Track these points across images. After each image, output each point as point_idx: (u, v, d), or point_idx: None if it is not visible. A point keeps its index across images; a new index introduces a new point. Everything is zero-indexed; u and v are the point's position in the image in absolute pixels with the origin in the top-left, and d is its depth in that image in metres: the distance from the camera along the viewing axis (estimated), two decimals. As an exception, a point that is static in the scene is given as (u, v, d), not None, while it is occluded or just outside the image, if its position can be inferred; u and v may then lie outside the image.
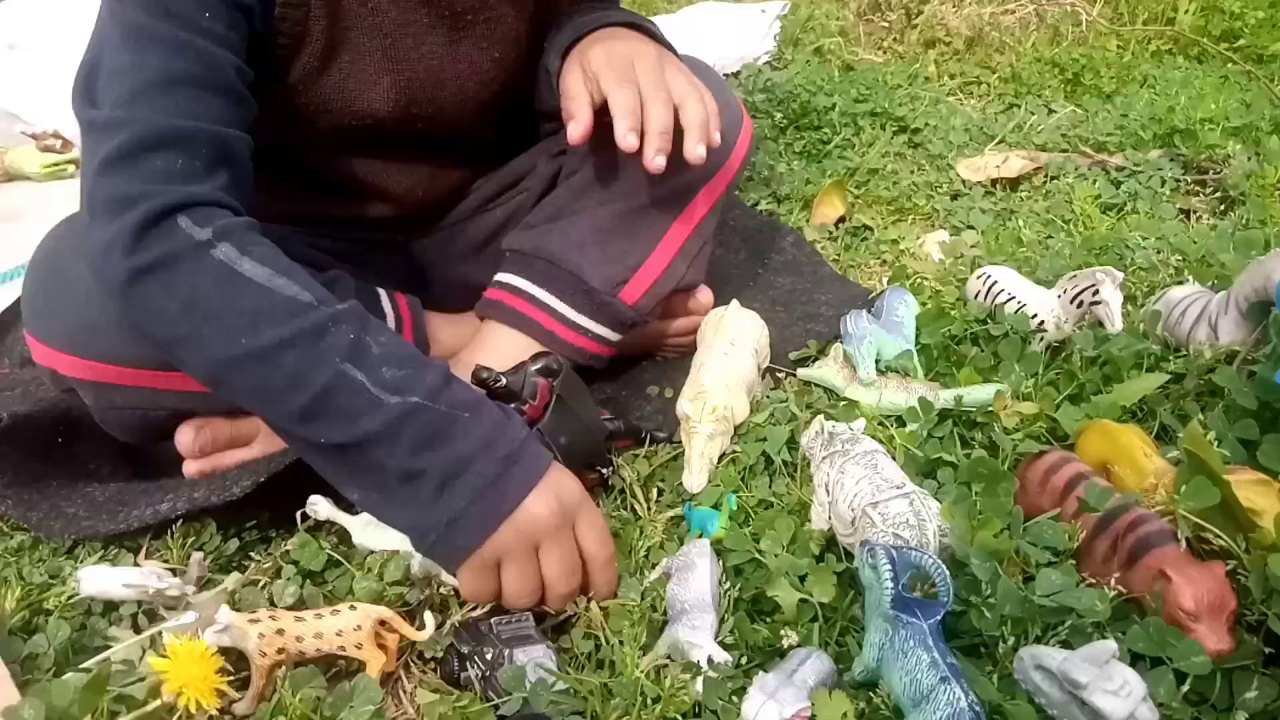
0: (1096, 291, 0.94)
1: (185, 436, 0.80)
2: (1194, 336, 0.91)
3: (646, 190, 0.90)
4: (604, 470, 0.84)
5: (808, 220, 1.38)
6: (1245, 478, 0.68)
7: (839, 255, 1.30)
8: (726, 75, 1.85)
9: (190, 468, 0.81)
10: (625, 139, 0.77)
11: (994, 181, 1.48)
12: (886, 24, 2.15)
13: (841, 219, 1.38)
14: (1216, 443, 0.74)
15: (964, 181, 1.49)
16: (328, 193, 0.95)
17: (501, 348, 0.89)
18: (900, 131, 1.67)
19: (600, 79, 0.79)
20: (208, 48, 0.71)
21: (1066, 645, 0.60)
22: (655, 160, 0.77)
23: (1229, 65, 2.02)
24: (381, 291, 0.92)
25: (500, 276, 0.94)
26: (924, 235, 1.32)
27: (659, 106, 0.78)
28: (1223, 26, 2.07)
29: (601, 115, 0.80)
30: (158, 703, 0.59)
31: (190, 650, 0.56)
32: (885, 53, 2.06)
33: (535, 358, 0.77)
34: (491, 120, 0.97)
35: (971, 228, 1.34)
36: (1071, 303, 0.96)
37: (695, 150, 0.78)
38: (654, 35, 0.89)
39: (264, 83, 0.79)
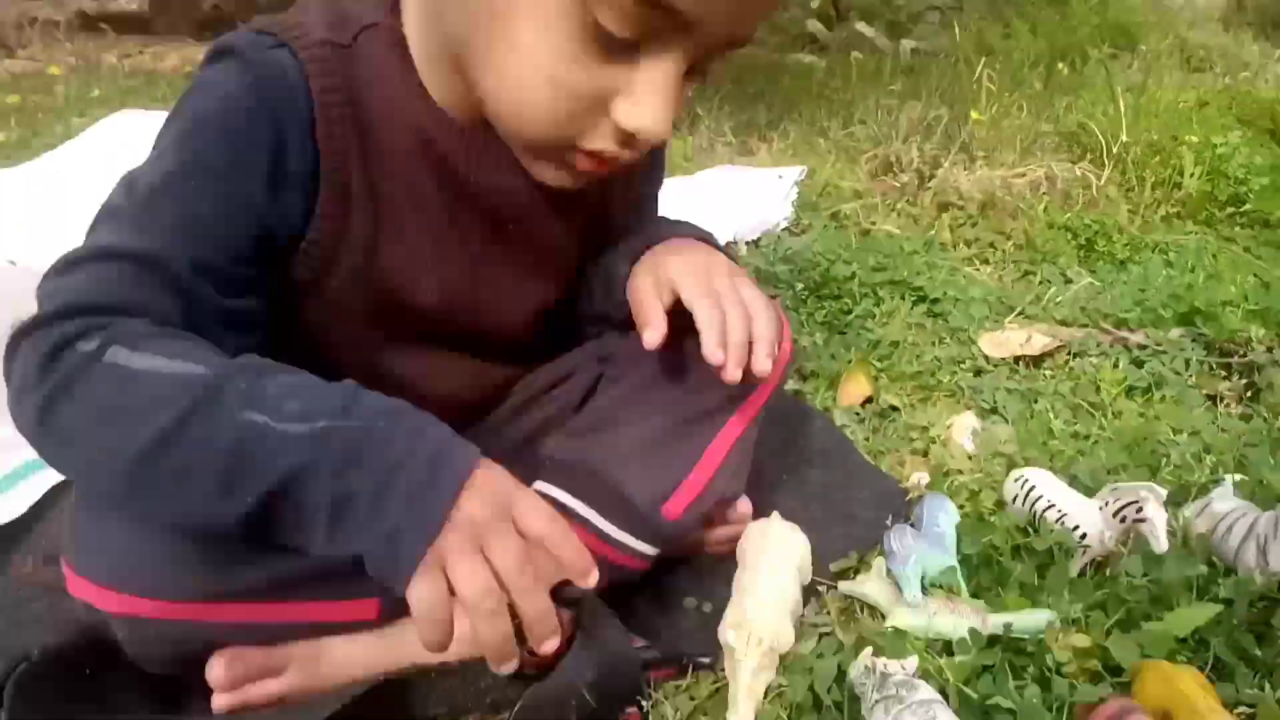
0: (1140, 509, 0.93)
1: (216, 671, 0.77)
2: (1242, 559, 0.90)
3: (691, 402, 0.90)
4: (641, 705, 0.81)
5: (834, 400, 1.38)
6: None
7: (868, 438, 1.29)
8: (748, 243, 1.89)
9: (220, 700, 0.78)
10: (714, 354, 0.77)
11: (1017, 359, 1.49)
12: (899, 185, 2.20)
13: (868, 399, 1.38)
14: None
15: (987, 357, 1.50)
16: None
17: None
18: (920, 301, 1.69)
19: (681, 289, 0.80)
20: (177, 240, 0.70)
21: None
22: (734, 373, 0.78)
23: (1237, 229, 2.07)
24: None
25: (538, 485, 0.92)
26: (952, 418, 1.32)
27: (738, 320, 0.79)
28: (1228, 192, 2.13)
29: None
30: None
31: None
32: (899, 215, 2.10)
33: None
34: (533, 324, 0.97)
35: (998, 411, 1.34)
36: (1115, 517, 0.95)
37: (764, 363, 0.79)
38: (719, 248, 0.91)
39: (305, 283, 0.79)
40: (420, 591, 0.62)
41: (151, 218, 0.70)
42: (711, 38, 0.69)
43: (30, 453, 1.16)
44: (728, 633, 0.85)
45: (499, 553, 0.64)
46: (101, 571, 0.74)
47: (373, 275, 0.82)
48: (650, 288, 0.83)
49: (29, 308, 0.71)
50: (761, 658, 0.83)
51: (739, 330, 0.79)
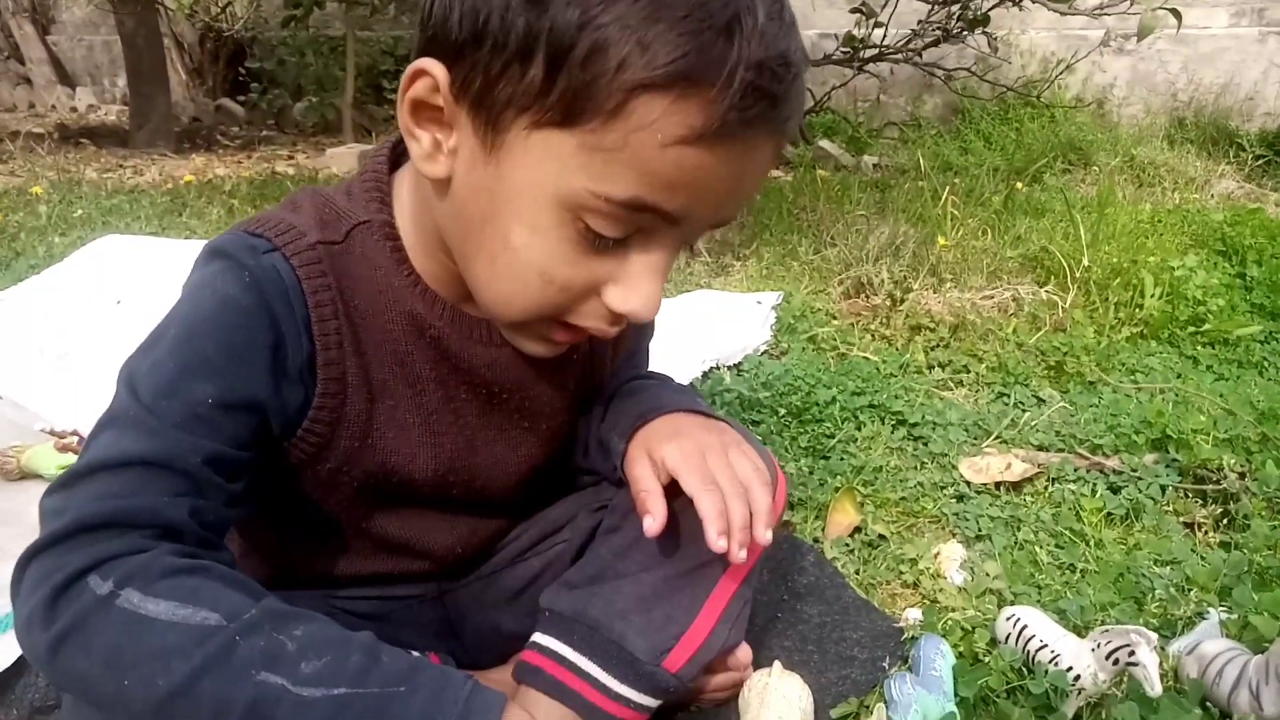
0: (1132, 652, 0.95)
1: None
2: (1235, 703, 0.92)
3: (690, 553, 0.92)
4: None
5: (823, 530, 1.40)
6: None
7: (859, 570, 1.31)
8: (729, 367, 1.93)
9: None
10: (717, 543, 0.79)
11: (998, 485, 1.52)
12: (871, 307, 2.26)
13: (856, 529, 1.40)
14: None
15: (968, 483, 1.53)
16: (364, 552, 0.95)
17: (540, 716, 0.87)
18: (899, 425, 1.73)
19: (681, 480, 0.82)
20: (184, 436, 0.70)
21: None
22: (739, 555, 0.79)
23: (1199, 348, 2.15)
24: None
25: (538, 638, 0.93)
26: (939, 547, 1.34)
27: (739, 504, 0.81)
28: (1188, 313, 2.21)
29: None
30: None
31: None
32: (874, 336, 2.15)
33: None
34: (525, 482, 0.99)
35: (984, 538, 1.37)
36: (1107, 659, 0.97)
37: (764, 535, 0.81)
38: (704, 411, 0.93)
39: (300, 463, 0.81)
40: None
41: (159, 420, 0.70)
42: (699, 226, 0.73)
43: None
44: None
45: None
46: None
47: (367, 455, 0.84)
48: (649, 472, 0.85)
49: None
50: None
51: (740, 513, 0.81)
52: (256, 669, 0.64)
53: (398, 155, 0.84)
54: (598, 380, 0.99)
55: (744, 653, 0.99)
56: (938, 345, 2.09)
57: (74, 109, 6.75)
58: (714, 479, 0.82)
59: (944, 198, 2.64)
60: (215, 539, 0.73)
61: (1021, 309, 2.23)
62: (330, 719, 0.63)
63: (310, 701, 0.63)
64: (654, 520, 0.81)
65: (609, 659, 0.89)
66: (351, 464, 0.84)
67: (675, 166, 0.65)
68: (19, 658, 1.08)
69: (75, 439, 1.58)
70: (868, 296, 2.32)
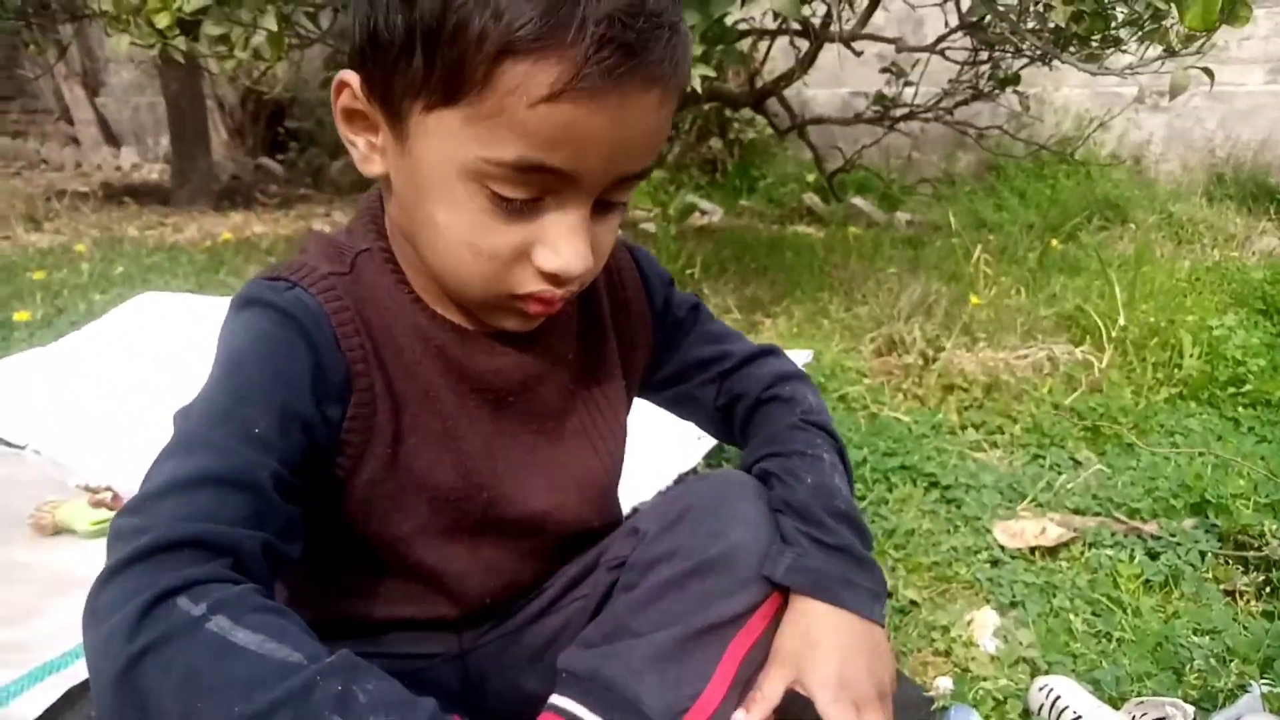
0: (1170, 725, 0.92)
1: None
2: (1279, 782, 0.89)
3: (706, 611, 0.91)
4: None
5: (853, 595, 1.38)
6: None
7: (890, 636, 1.28)
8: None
9: None
10: None
11: (1033, 550, 1.49)
12: (903, 366, 2.25)
13: (888, 594, 1.38)
14: None
15: (1003, 547, 1.51)
16: (394, 593, 0.95)
17: (561, 779, 0.86)
18: (932, 487, 1.71)
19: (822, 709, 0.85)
20: (248, 452, 0.74)
21: None
22: None
23: (1240, 410, 2.10)
24: None
25: (555, 700, 0.92)
26: (972, 613, 1.31)
27: None
28: (1228, 373, 2.17)
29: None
30: None
31: None
32: (905, 395, 2.14)
33: None
34: (561, 499, 0.99)
35: (1017, 605, 1.34)
36: (1145, 733, 0.94)
37: None
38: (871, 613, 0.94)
39: (340, 479, 0.84)
40: None
41: (223, 441, 0.74)
42: (601, 182, 0.77)
43: (44, 655, 1.15)
44: None
45: None
46: None
47: (398, 462, 0.87)
48: (772, 695, 0.88)
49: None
50: None
51: None
52: (330, 712, 0.65)
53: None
54: (608, 374, 1.02)
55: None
56: (971, 405, 2.07)
57: (118, 168, 6.95)
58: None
59: (976, 255, 2.63)
60: (277, 578, 0.75)
61: (1057, 369, 2.20)
62: None
63: None
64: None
65: (626, 718, 0.88)
66: (385, 475, 0.87)
67: (549, 124, 0.70)
68: (44, 711, 1.09)
69: (109, 494, 1.60)
70: (899, 355, 2.30)
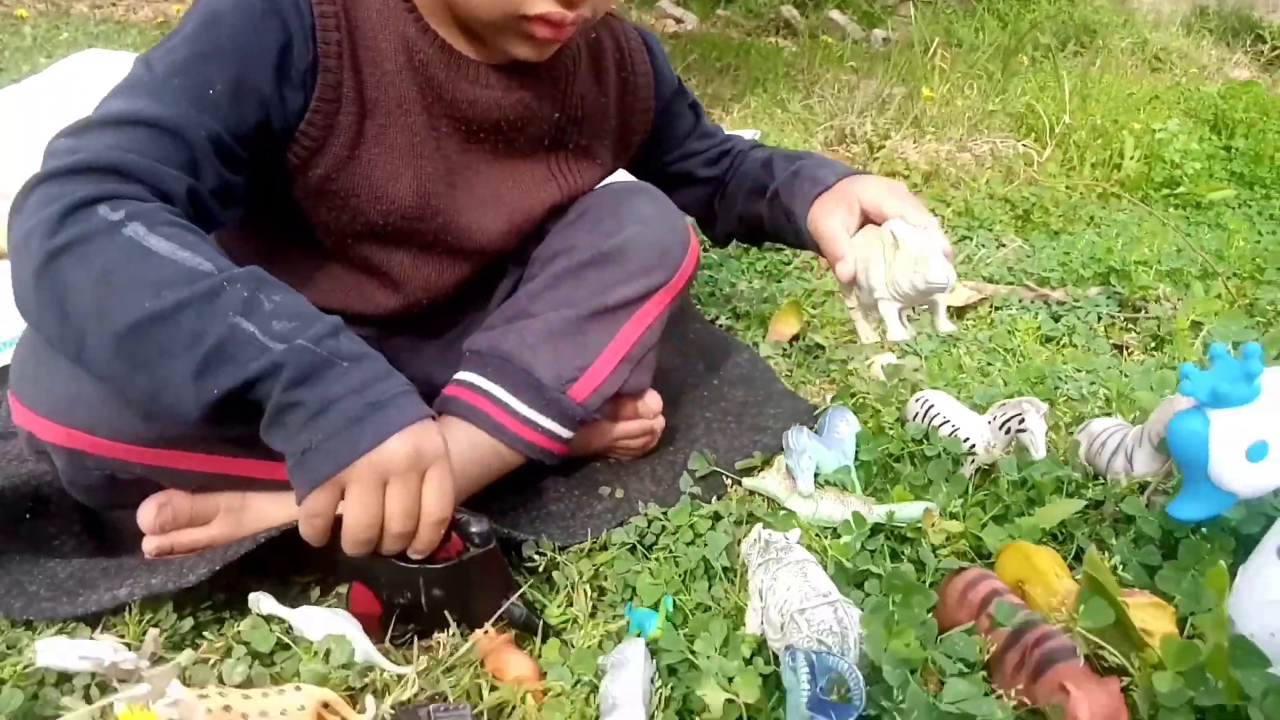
0: (1023, 420, 1.00)
1: (146, 514, 0.83)
2: (1112, 466, 0.97)
3: (597, 299, 0.98)
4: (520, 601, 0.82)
5: (764, 337, 1.45)
6: (1141, 600, 0.73)
7: (791, 371, 1.36)
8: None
9: (149, 544, 0.84)
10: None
11: (942, 309, 1.56)
12: (850, 155, 2.27)
13: (796, 337, 1.45)
14: (1121, 567, 0.79)
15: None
16: (338, 280, 1.00)
17: (458, 441, 0.93)
18: (857, 256, 1.76)
19: (887, 211, 1.01)
20: (193, 108, 0.78)
21: (970, 752, 0.64)
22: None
23: (1171, 210, 2.16)
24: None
25: (458, 375, 0.99)
26: (873, 357, 1.39)
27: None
28: (1164, 174, 2.21)
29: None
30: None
31: (140, 719, 0.58)
32: (848, 181, 2.16)
33: (480, 519, 0.80)
34: (512, 235, 1.03)
35: (916, 353, 1.41)
36: (1000, 429, 1.02)
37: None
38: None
39: (294, 168, 0.88)
40: (310, 504, 0.73)
41: (171, 93, 0.78)
42: None
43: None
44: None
45: (394, 499, 0.73)
46: (46, 404, 0.79)
47: (355, 168, 0.91)
48: (838, 225, 1.03)
49: None
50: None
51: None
52: (234, 314, 0.71)
53: None
54: (605, 144, 1.09)
55: (653, 400, 1.05)
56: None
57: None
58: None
59: (933, 48, 2.61)
60: (202, 229, 0.79)
61: (998, 161, 2.23)
62: (280, 361, 0.70)
63: (271, 349, 0.70)
64: (846, 265, 0.99)
65: (517, 384, 0.95)
66: (340, 174, 0.90)
67: None
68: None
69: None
70: (848, 146, 2.32)
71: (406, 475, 0.72)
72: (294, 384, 0.70)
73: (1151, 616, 0.70)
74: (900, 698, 0.66)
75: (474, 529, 0.78)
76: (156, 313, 0.70)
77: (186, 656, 0.72)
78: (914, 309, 1.03)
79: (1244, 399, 0.68)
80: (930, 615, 0.76)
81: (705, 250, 1.72)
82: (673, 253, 1.01)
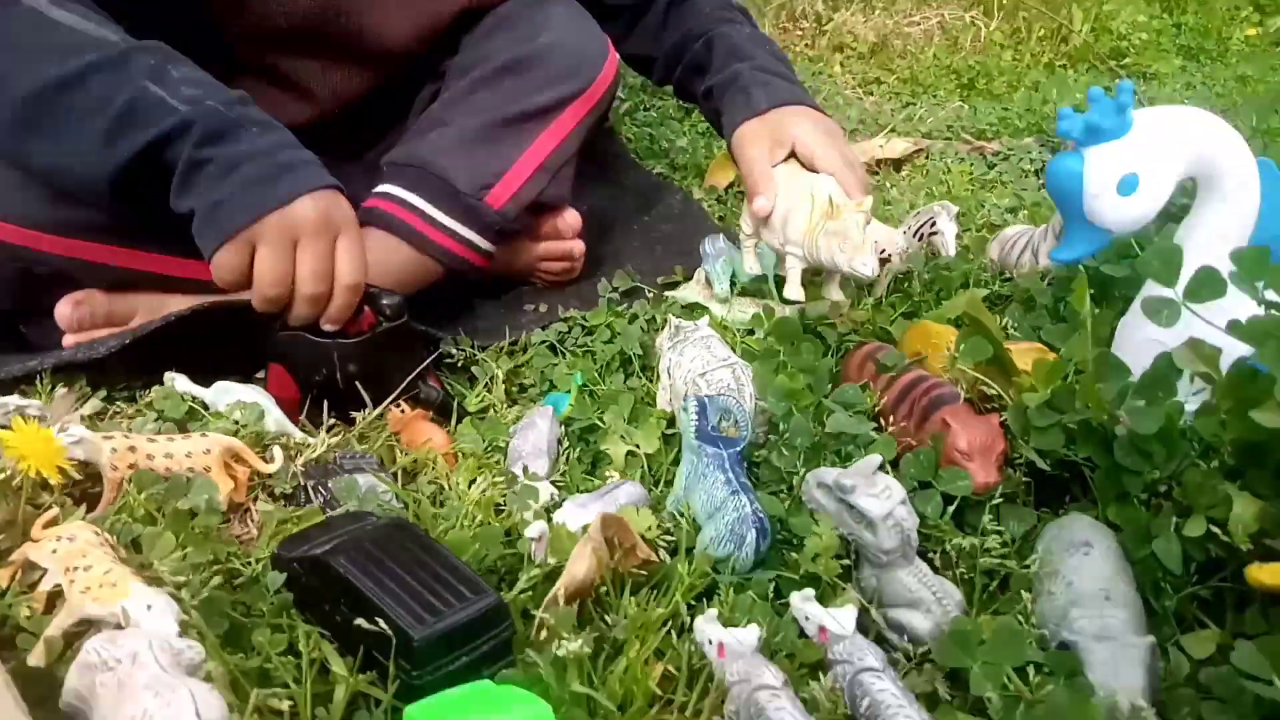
0: (934, 224, 1.02)
1: (64, 309, 0.84)
2: (1020, 262, 1.00)
3: (513, 106, 0.98)
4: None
5: (699, 184, 1.46)
6: (1024, 346, 0.75)
7: (724, 215, 1.37)
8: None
9: (68, 340, 0.85)
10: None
11: (879, 162, 1.57)
12: (800, 31, 2.26)
13: (731, 184, 1.46)
14: (1014, 328, 0.82)
15: (852, 162, 1.58)
16: (249, 90, 1.00)
17: (376, 251, 0.94)
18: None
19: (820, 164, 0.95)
20: None
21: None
22: None
23: (1116, 81, 2.16)
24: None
25: (377, 189, 0.99)
26: (806, 203, 1.40)
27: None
28: (1111, 45, 2.21)
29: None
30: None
31: (38, 431, 0.59)
32: (799, 58, 2.16)
33: (391, 293, 0.81)
34: (410, 35, 1.03)
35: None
36: (914, 235, 1.05)
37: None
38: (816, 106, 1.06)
39: None
40: (220, 259, 0.74)
41: None
42: None
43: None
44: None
45: (305, 260, 0.74)
46: None
47: None
48: (763, 155, 0.97)
49: None
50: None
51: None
52: (142, 78, 0.72)
53: None
54: None
55: (572, 217, 1.06)
56: (855, 60, 2.11)
57: None
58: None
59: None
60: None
61: (945, 33, 2.23)
62: (190, 119, 0.71)
63: (180, 110, 0.72)
64: (764, 202, 0.93)
65: (434, 193, 0.96)
66: None
67: None
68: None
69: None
70: (798, 22, 2.31)
71: (317, 237, 0.74)
72: (205, 141, 0.71)
73: (1035, 361, 0.73)
74: (785, 428, 0.69)
75: (385, 301, 0.80)
76: (63, 78, 0.70)
77: (91, 406, 0.74)
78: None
79: (1116, 131, 0.70)
80: (820, 363, 0.79)
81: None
82: (590, 61, 1.01)
